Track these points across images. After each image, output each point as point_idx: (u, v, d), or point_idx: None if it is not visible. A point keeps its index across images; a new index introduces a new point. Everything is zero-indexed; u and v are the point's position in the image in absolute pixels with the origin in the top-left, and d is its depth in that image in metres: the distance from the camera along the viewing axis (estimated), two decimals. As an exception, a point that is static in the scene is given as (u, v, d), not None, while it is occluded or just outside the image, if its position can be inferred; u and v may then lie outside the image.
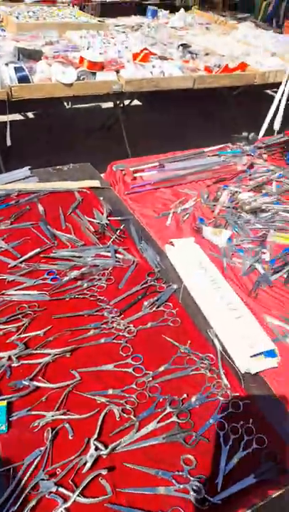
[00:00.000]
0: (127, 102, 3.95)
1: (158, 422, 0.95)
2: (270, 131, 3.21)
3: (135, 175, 1.88)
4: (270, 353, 1.09)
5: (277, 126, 3.26)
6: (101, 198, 1.70)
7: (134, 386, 1.01)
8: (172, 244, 1.46)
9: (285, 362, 1.09)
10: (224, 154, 2.03)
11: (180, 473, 0.86)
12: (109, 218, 1.58)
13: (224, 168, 1.94)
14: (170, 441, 0.92)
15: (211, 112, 4.50)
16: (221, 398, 1.00)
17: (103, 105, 4.61)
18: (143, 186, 1.81)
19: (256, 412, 0.99)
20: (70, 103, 4.59)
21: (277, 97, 3.25)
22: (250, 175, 1.90)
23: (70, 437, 0.90)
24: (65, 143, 3.72)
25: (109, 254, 1.41)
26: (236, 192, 1.77)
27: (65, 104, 4.63)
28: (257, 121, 3.44)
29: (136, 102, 4.67)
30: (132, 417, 0.95)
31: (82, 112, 4.51)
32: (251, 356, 1.07)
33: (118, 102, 3.73)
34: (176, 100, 4.31)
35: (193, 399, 1.00)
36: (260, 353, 1.08)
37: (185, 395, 1.00)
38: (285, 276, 1.36)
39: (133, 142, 3.61)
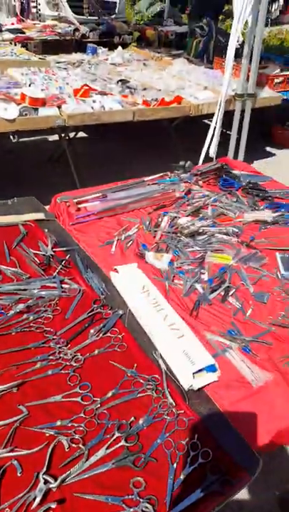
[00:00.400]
0: (72, 135, 4.04)
1: (107, 448, 0.96)
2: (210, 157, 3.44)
3: (79, 206, 1.93)
4: (210, 368, 1.15)
5: (212, 153, 3.49)
6: (46, 230, 1.73)
7: (82, 415, 1.03)
8: (116, 271, 1.51)
9: (224, 375, 1.16)
10: (163, 183, 2.15)
11: (130, 496, 0.88)
12: (54, 249, 1.60)
13: (164, 196, 2.05)
14: (119, 466, 0.94)
15: (153, 142, 4.71)
16: (168, 417, 1.04)
17: (50, 138, 4.67)
18: (87, 216, 1.86)
19: (201, 427, 1.03)
20: (16, 137, 4.63)
21: (212, 126, 3.49)
22: (187, 200, 2.02)
23: (19, 474, 0.90)
24: (12, 176, 3.72)
25: (55, 285, 1.43)
26: (175, 217, 1.87)
27: (11, 137, 4.65)
28: (196, 149, 3.67)
29: (82, 134, 4.79)
30: (80, 446, 0.96)
31: (29, 145, 4.55)
32: (194, 373, 1.12)
33: (63, 135, 3.81)
34: (120, 131, 4.47)
35: (140, 421, 1.03)
36: (202, 369, 1.14)
37: (133, 418, 1.03)
38: (222, 293, 1.45)
39: (81, 173, 3.69)
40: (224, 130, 3.87)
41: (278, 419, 1.08)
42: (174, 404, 1.07)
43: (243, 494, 1.61)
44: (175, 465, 0.95)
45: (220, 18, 6.75)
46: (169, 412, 1.06)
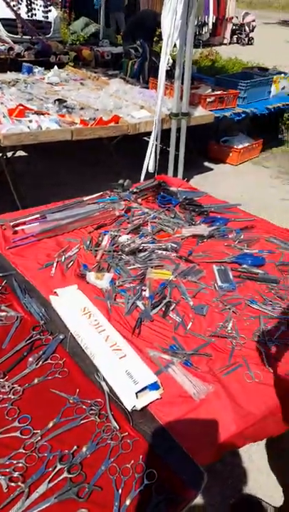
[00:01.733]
0: (10, 154, 3.95)
1: (49, 482, 0.93)
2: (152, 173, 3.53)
3: (16, 228, 1.88)
4: (153, 386, 1.15)
5: (151, 168, 3.58)
6: (-20, 256, 1.66)
7: (22, 450, 0.98)
8: (56, 294, 1.48)
9: (167, 391, 1.17)
10: (103, 201, 2.16)
11: (74, 530, 0.85)
12: (-11, 276, 1.54)
13: (103, 215, 2.05)
14: (63, 500, 0.90)
15: (96, 160, 4.75)
16: (112, 442, 1.02)
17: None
18: (25, 239, 1.81)
19: (145, 447, 1.03)
20: None
21: (150, 144, 3.59)
22: (127, 218, 2.04)
23: None
24: None
25: (-10, 313, 1.37)
26: (116, 236, 1.88)
27: None
28: (138, 165, 3.75)
29: (22, 153, 4.70)
30: (20, 484, 0.91)
31: None
32: (137, 392, 1.12)
33: (1, 155, 3.72)
34: (61, 150, 4.45)
35: (84, 449, 1.00)
36: (145, 388, 1.14)
37: (76, 447, 1.00)
38: (164, 309, 1.47)
39: (20, 193, 3.60)
40: (164, 147, 3.99)
41: (220, 429, 1.10)
42: (118, 427, 1.06)
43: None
44: (120, 491, 0.93)
45: (154, 39, 7.04)
46: (113, 435, 1.04)
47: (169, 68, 3.32)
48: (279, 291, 1.63)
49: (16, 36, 6.72)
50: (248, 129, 5.87)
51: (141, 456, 1.00)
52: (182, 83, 3.61)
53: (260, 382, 1.23)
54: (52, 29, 8.24)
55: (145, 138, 4.55)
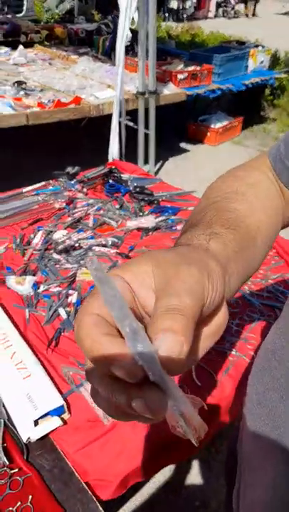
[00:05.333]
0: None
1: None
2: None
3: None
4: (58, 411, 1.01)
5: (115, 155, 3.38)
6: None
7: None
8: None
9: (75, 415, 1.03)
10: (44, 192, 1.99)
11: None
12: None
13: (42, 208, 1.88)
14: None
15: (63, 146, 4.51)
16: (-2, 480, 0.89)
17: None
18: None
19: (38, 485, 0.90)
20: None
21: (112, 126, 3.38)
22: (68, 211, 1.88)
23: None
24: None
25: None
26: (51, 232, 1.72)
27: None
28: (106, 149, 3.54)
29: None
30: None
31: None
32: (36, 420, 0.98)
33: None
34: (26, 138, 4.21)
35: None
36: (47, 414, 1.00)
37: None
38: (88, 316, 1.32)
39: None
40: (137, 127, 3.78)
41: (129, 457, 0.97)
42: (7, 462, 0.92)
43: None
44: None
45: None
46: (1, 472, 0.91)
47: (129, 43, 3.09)
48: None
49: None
50: (229, 107, 5.63)
51: (30, 497, 0.87)
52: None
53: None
54: (24, 7, 7.85)
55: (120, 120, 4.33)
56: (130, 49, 4.68)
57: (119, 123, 3.48)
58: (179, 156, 4.81)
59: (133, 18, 2.94)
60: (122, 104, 3.37)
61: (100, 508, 0.88)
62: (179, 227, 1.82)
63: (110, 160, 3.54)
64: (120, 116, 3.47)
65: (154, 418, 0.30)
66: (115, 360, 0.28)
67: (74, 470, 0.94)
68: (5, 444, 0.96)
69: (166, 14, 12.35)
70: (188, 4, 12.54)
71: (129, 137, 3.75)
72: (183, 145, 5.04)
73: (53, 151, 4.49)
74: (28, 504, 0.86)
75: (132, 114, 4.19)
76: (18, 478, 0.90)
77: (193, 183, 3.15)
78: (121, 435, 1.00)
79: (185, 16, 12.50)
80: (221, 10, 14.43)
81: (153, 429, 1.01)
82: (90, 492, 0.90)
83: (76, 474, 0.93)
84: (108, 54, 5.27)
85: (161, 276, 0.34)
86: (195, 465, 1.75)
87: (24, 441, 0.97)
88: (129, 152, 3.73)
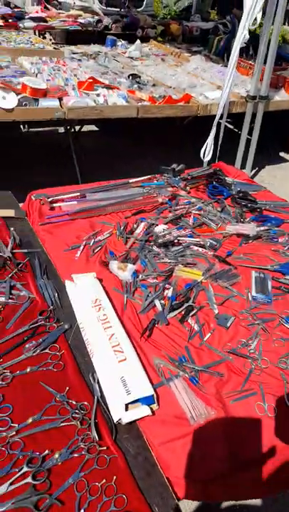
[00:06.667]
0: (78, 128, 3.95)
1: (11, 483, 0.87)
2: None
3: (54, 205, 1.84)
4: (147, 400, 1.03)
5: (206, 155, 3.31)
6: (12, 229, 1.64)
7: (-7, 441, 0.94)
8: (72, 280, 1.41)
9: (163, 409, 1.04)
10: (148, 185, 2.03)
11: None
12: (13, 251, 1.51)
13: (145, 200, 1.93)
14: (19, 507, 0.84)
15: (164, 140, 4.56)
16: (87, 454, 0.93)
17: (60, 129, 4.59)
18: (59, 217, 1.76)
19: (122, 467, 0.92)
20: (26, 126, 4.57)
21: (213, 127, 3.32)
22: (170, 207, 1.89)
23: None
24: (17, 164, 3.67)
25: (4, 290, 1.34)
26: (152, 224, 1.75)
27: (21, 127, 4.59)
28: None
29: (92, 128, 4.69)
30: (-20, 478, 0.87)
31: (39, 135, 4.48)
32: (127, 404, 1.01)
33: (68, 128, 3.73)
34: (129, 127, 4.34)
35: (56, 455, 0.93)
36: (137, 400, 1.02)
37: (48, 451, 0.93)
38: (183, 313, 1.33)
39: (85, 168, 3.58)
40: (239, 132, 3.70)
41: (209, 466, 0.96)
42: (98, 438, 0.96)
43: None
44: (82, 511, 0.84)
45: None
46: (90, 447, 0.95)
47: (245, 45, 3.00)
48: None
49: (107, 8, 6.66)
50: None
51: (115, 477, 0.90)
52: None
53: (274, 417, 1.05)
54: (144, 2, 8.06)
55: (220, 121, 4.27)
56: (244, 51, 4.58)
57: (219, 124, 3.41)
58: (276, 165, 4.61)
59: (256, 19, 2.83)
60: (226, 105, 3.30)
61: (179, 507, 0.88)
62: (281, 239, 1.74)
63: (203, 159, 3.49)
64: (221, 117, 3.41)
65: None
66: None
67: (157, 462, 0.95)
68: (96, 421, 1.00)
69: (284, 16, 11.79)
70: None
71: (225, 139, 3.67)
72: (282, 154, 4.82)
73: (156, 145, 4.57)
74: (112, 484, 0.89)
75: (234, 117, 4.09)
76: (105, 456, 0.94)
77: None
78: (204, 441, 0.99)
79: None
80: None
81: (244, 441, 0.99)
82: (170, 488, 0.91)
83: (159, 467, 0.94)
84: (222, 54, 5.20)
85: None
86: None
87: (115, 421, 1.00)
88: (224, 155, 3.66)
